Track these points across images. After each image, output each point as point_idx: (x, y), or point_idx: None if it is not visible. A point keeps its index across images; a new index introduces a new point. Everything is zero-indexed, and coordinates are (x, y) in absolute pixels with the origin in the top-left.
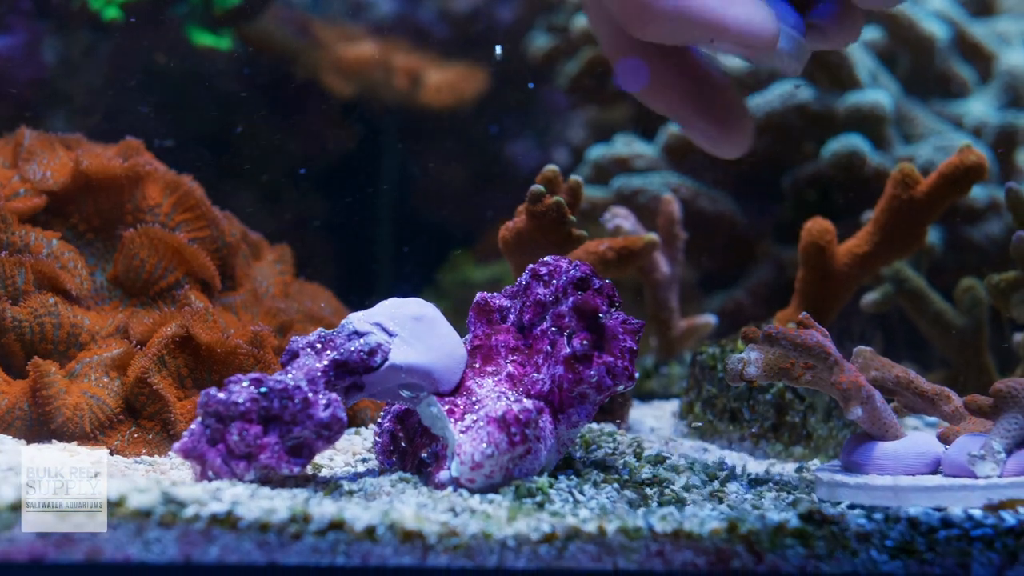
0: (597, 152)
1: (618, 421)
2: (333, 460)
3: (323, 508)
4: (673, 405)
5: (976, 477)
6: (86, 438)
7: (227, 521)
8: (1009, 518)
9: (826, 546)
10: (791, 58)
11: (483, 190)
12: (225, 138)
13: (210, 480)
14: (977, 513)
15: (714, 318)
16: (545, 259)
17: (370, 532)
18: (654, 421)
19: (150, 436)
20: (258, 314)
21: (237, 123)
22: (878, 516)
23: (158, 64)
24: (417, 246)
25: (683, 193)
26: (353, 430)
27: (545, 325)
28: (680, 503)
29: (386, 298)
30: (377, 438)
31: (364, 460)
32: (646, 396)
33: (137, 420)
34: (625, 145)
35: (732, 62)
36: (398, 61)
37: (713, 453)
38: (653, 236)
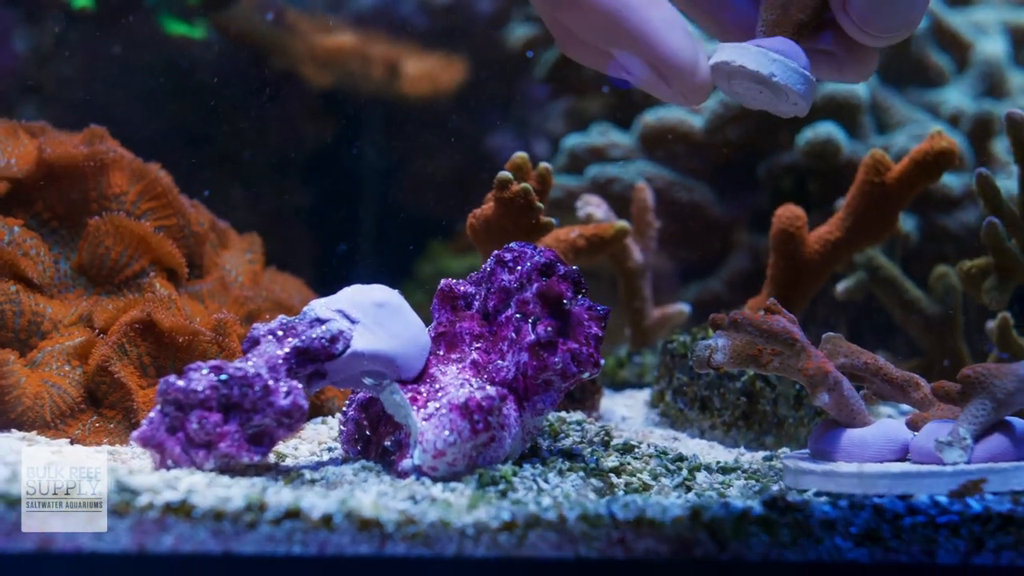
0: (572, 141)
1: (589, 410)
2: (298, 449)
3: (279, 496)
4: (646, 394)
5: (943, 464)
6: (47, 427)
7: (181, 510)
8: (975, 504)
9: (790, 534)
10: (800, 97)
11: (462, 181)
12: (202, 128)
13: (169, 469)
14: (943, 500)
15: (687, 307)
16: (510, 245)
17: (327, 520)
18: (626, 410)
19: (112, 425)
20: (226, 303)
21: (214, 113)
22: (843, 503)
23: (133, 54)
24: (396, 237)
25: (658, 183)
26: (320, 419)
27: (510, 312)
28: (646, 491)
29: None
30: (342, 427)
31: (330, 449)
32: (619, 385)
33: (99, 409)
34: (600, 135)
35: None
36: (376, 51)
37: (683, 442)
38: (624, 223)
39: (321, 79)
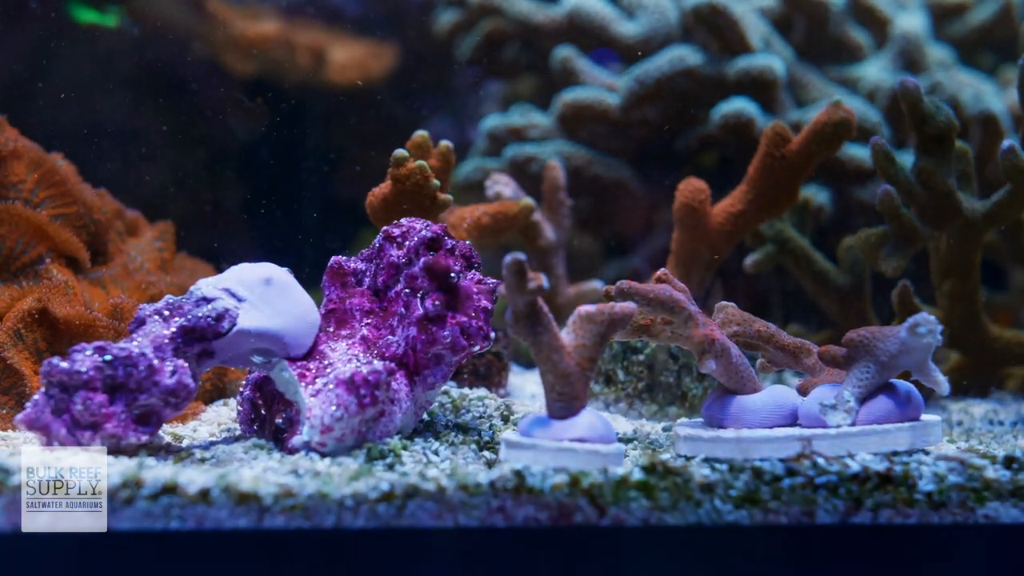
0: (492, 122)
1: (495, 387)
2: (197, 431)
3: (156, 472)
4: None
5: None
6: None
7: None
8: (853, 464)
9: (670, 498)
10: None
11: None
12: (124, 120)
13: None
14: (821, 461)
15: (600, 284)
16: (399, 221)
17: (204, 495)
18: (535, 387)
19: (4, 411)
20: (128, 288)
21: (137, 106)
22: (722, 467)
23: (47, 46)
24: (328, 225)
25: (577, 161)
26: (221, 401)
27: (399, 287)
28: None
29: (296, 277)
30: (239, 407)
31: (229, 430)
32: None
33: None
34: (521, 116)
35: None
36: (301, 39)
37: None
38: (529, 201)
39: (244, 68)
